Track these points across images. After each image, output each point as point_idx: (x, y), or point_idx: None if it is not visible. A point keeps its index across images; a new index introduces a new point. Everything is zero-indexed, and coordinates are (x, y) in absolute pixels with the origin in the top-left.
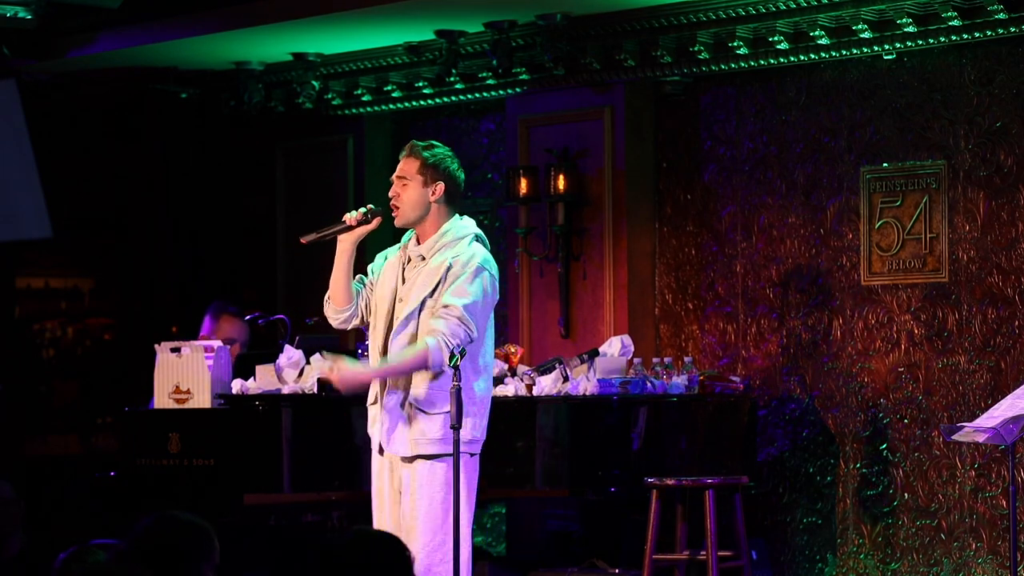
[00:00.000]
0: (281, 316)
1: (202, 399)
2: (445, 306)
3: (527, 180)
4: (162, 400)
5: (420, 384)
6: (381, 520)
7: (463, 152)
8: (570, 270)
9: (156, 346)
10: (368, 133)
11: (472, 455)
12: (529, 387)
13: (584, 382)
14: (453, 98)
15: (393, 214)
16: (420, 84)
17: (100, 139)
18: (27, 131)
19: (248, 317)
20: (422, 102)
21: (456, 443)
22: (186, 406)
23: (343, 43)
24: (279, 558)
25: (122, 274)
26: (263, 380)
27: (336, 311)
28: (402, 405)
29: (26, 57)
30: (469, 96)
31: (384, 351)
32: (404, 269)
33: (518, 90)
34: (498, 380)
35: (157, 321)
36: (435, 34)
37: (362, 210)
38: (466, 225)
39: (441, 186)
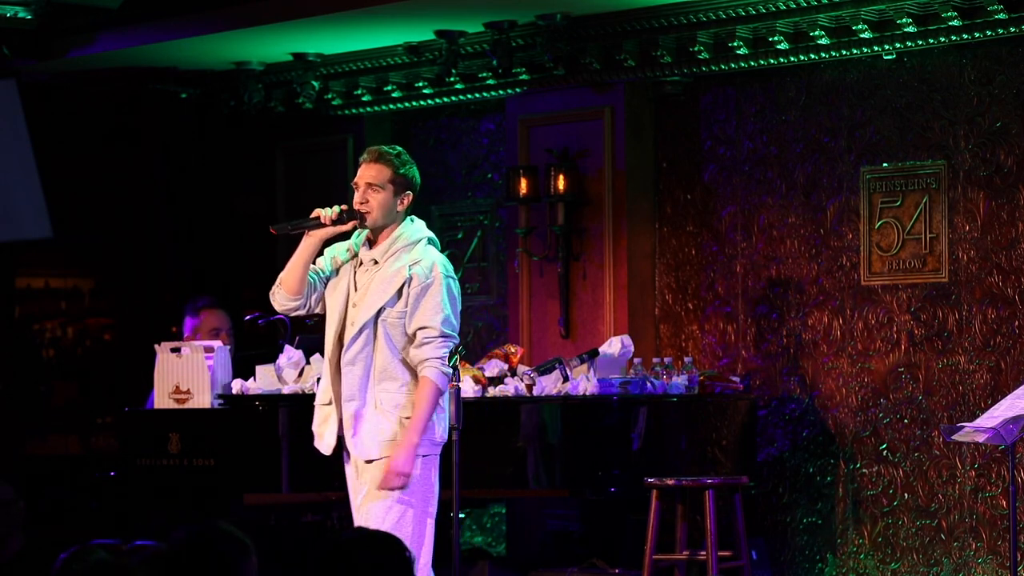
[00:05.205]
0: (281, 316)
1: (202, 399)
2: (422, 328)
3: (527, 180)
4: (162, 400)
5: (382, 388)
6: (358, 522)
7: (463, 152)
8: (570, 270)
9: (156, 346)
10: (368, 133)
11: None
12: (529, 387)
13: (584, 382)
14: (453, 98)
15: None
16: (420, 84)
17: (100, 139)
18: (27, 131)
19: (248, 317)
20: (422, 102)
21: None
22: (186, 406)
23: (343, 43)
24: (279, 558)
25: (122, 274)
26: (263, 380)
27: (286, 298)
28: (364, 407)
29: (26, 57)
30: (469, 96)
31: (338, 360)
32: (356, 273)
33: (518, 90)
34: (498, 380)
35: (157, 321)
36: (435, 34)
37: (337, 209)
38: (418, 228)
39: (410, 196)
